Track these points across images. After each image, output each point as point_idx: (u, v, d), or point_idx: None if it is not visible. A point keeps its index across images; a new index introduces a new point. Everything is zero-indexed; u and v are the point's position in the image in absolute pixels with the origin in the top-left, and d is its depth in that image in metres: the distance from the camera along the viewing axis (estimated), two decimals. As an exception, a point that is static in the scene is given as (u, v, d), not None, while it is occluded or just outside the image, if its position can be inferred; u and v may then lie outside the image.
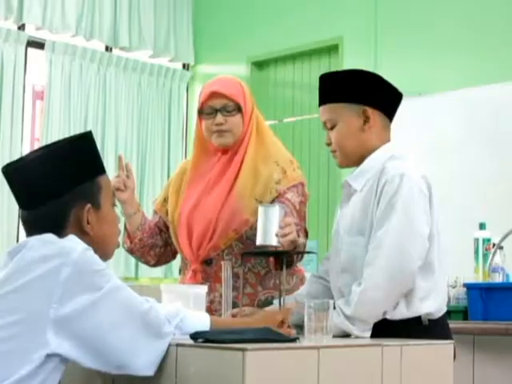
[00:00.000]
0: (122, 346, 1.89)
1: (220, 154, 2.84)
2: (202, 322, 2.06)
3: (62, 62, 6.46)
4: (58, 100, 6.39)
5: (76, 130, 6.44)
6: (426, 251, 2.35)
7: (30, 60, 6.42)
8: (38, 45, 6.45)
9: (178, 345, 1.93)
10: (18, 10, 6.23)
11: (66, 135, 6.29)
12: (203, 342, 1.91)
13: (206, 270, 2.78)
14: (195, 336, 1.94)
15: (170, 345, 1.95)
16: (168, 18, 7.16)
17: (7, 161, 6.09)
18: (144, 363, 1.92)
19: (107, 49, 6.84)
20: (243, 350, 1.76)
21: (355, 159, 2.51)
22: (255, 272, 2.78)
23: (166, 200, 2.95)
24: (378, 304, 2.33)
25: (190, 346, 1.91)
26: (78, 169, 2.03)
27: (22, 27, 6.34)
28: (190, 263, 2.83)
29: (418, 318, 2.39)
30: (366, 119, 2.49)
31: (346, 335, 2.35)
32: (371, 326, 2.34)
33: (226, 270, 2.43)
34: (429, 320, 2.39)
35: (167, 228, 2.94)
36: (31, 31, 6.40)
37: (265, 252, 2.36)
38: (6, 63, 6.15)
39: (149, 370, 1.93)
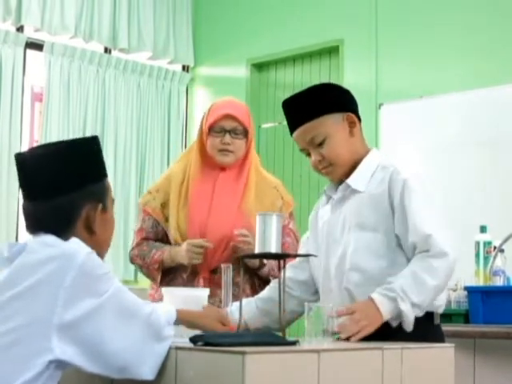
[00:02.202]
0: (125, 349, 1.88)
1: (218, 171, 3.03)
2: (169, 312, 2.04)
3: (60, 64, 6.45)
4: (56, 102, 6.38)
5: (75, 131, 6.43)
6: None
7: (28, 61, 6.41)
8: (37, 46, 6.44)
9: (177, 348, 1.93)
10: (17, 12, 6.22)
11: (65, 137, 6.30)
12: (203, 345, 1.90)
13: (211, 277, 2.95)
14: (195, 339, 1.93)
15: (169, 348, 1.94)
16: (167, 19, 7.16)
17: (6, 163, 6.14)
18: (146, 367, 1.91)
19: (106, 50, 6.83)
20: (243, 353, 1.75)
21: (347, 168, 2.52)
22: (250, 283, 2.97)
23: (162, 206, 3.06)
24: (439, 294, 2.40)
25: (189, 349, 1.91)
26: (93, 166, 2.03)
27: (20, 29, 6.33)
28: (197, 271, 2.96)
29: (432, 316, 2.44)
30: (352, 124, 2.52)
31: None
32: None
33: (225, 274, 2.42)
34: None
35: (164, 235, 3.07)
36: (30, 33, 6.39)
37: (264, 255, 2.35)
38: (5, 65, 6.14)
39: (150, 374, 1.92)
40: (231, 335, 2.06)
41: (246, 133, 3.03)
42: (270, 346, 1.93)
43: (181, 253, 2.93)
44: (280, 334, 2.24)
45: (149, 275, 3.09)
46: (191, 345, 1.92)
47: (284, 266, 2.31)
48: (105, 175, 2.07)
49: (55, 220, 1.96)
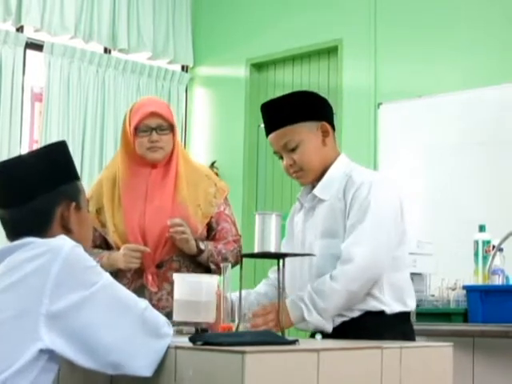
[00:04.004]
0: (117, 343, 1.87)
1: (150, 168, 3.08)
2: None
3: (60, 64, 6.46)
4: (56, 102, 6.38)
5: (75, 131, 6.44)
6: (394, 247, 2.52)
7: (28, 62, 6.41)
8: (37, 47, 6.44)
9: (176, 347, 1.93)
10: (17, 12, 6.23)
11: (65, 137, 6.32)
12: (202, 344, 1.90)
13: (157, 272, 3.01)
14: (194, 338, 1.93)
15: (168, 347, 1.94)
16: (167, 19, 7.16)
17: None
18: (142, 363, 1.90)
19: (106, 51, 6.84)
20: (242, 352, 1.75)
21: (318, 174, 2.63)
22: (197, 272, 3.03)
23: (97, 211, 3.12)
24: (353, 298, 2.46)
25: (188, 348, 1.90)
26: (62, 169, 2.09)
27: (20, 29, 6.34)
28: (143, 268, 3.00)
29: (408, 315, 2.57)
30: (325, 133, 2.62)
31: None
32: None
33: (225, 272, 2.42)
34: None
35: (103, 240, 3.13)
36: (30, 33, 6.39)
37: (263, 254, 2.36)
38: (5, 65, 6.15)
39: (147, 371, 1.91)
40: (231, 335, 2.06)
41: (171, 128, 3.07)
42: (270, 345, 1.94)
43: (118, 258, 2.98)
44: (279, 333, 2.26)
45: None
46: (190, 344, 1.92)
47: (283, 265, 2.32)
48: (76, 177, 2.13)
49: (32, 223, 2.02)
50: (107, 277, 1.94)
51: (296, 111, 2.59)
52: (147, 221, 3.01)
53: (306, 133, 2.59)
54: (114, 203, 3.08)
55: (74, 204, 2.07)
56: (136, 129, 3.04)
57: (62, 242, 1.93)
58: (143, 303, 1.95)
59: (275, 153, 2.67)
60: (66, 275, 1.86)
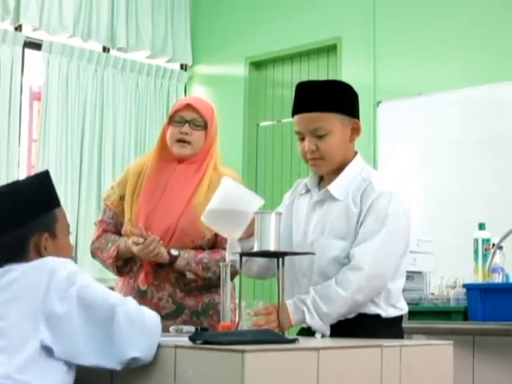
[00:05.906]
0: (114, 339, 1.93)
1: (176, 163, 3.07)
2: None
3: (59, 63, 6.45)
4: (55, 101, 6.38)
5: (73, 130, 6.43)
6: (399, 259, 2.55)
7: (27, 61, 6.42)
8: (35, 46, 6.44)
9: (176, 346, 1.93)
10: (15, 11, 6.23)
11: (64, 136, 6.33)
12: (202, 343, 1.90)
13: (157, 271, 2.97)
14: (194, 337, 1.93)
15: (168, 346, 1.94)
16: (166, 18, 7.16)
17: (4, 162, 6.12)
18: (137, 350, 1.94)
19: (104, 49, 6.83)
20: (242, 351, 1.75)
21: (334, 168, 2.61)
22: (171, 281, 2.98)
23: (121, 198, 3.11)
24: (355, 306, 2.47)
25: (188, 347, 1.91)
26: (36, 203, 2.19)
27: (19, 28, 6.33)
28: (141, 263, 2.99)
29: (401, 318, 2.58)
30: (354, 131, 2.61)
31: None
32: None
33: (224, 272, 2.42)
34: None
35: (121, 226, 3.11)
36: (28, 32, 6.39)
37: (263, 253, 2.35)
38: (3, 64, 6.14)
39: (145, 354, 1.95)
40: (230, 333, 2.06)
41: (205, 126, 3.06)
42: (270, 344, 1.94)
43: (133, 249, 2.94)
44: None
45: (108, 269, 3.11)
46: (190, 343, 1.92)
47: (283, 265, 2.32)
48: (53, 205, 2.22)
49: (9, 254, 2.13)
50: (91, 282, 2.03)
51: (336, 100, 2.56)
52: (156, 216, 2.99)
53: (339, 124, 2.56)
54: (134, 193, 3.07)
55: (46, 234, 2.17)
56: (171, 118, 3.07)
57: (49, 259, 2.08)
58: (130, 301, 2.02)
59: (297, 133, 2.61)
60: (54, 288, 1.98)
